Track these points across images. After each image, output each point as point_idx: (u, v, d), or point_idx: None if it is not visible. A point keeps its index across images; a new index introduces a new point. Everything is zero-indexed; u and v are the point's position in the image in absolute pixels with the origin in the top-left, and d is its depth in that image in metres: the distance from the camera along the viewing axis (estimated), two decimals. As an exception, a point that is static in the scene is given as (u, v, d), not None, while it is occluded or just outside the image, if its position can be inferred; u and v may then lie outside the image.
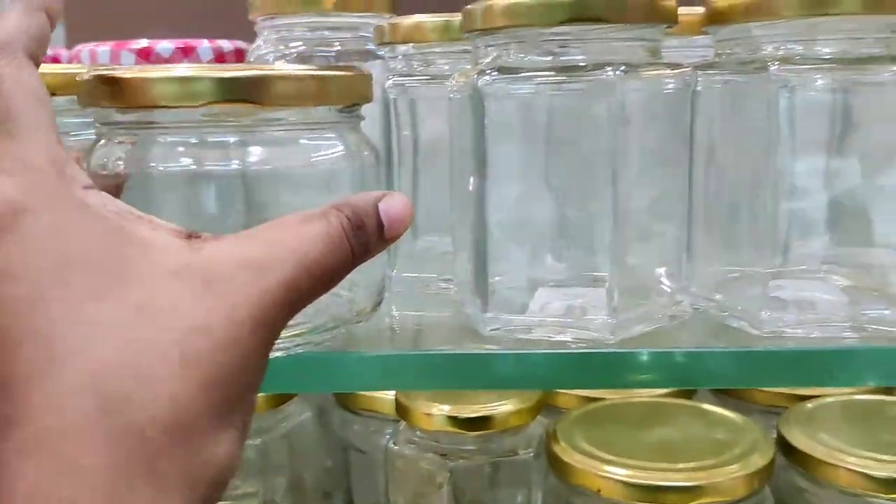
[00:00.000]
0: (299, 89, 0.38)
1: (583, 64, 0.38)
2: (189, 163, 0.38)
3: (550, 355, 0.39)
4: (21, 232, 0.24)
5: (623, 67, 0.37)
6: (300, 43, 0.57)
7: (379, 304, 0.43)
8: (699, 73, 0.41)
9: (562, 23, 0.37)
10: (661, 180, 0.40)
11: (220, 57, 0.59)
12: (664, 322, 0.41)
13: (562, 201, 0.40)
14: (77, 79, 0.38)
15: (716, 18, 0.40)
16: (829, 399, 0.56)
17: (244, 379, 0.25)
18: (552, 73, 0.38)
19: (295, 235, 0.27)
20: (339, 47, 0.56)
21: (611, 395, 0.57)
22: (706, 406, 0.56)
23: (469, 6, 0.39)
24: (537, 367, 0.39)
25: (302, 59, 0.56)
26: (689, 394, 0.60)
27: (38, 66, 0.29)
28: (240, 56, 0.60)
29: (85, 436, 0.22)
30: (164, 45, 0.57)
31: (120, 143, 0.38)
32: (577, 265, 0.42)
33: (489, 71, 0.39)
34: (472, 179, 0.40)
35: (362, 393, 0.60)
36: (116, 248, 0.25)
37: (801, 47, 0.38)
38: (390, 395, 0.57)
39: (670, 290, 0.41)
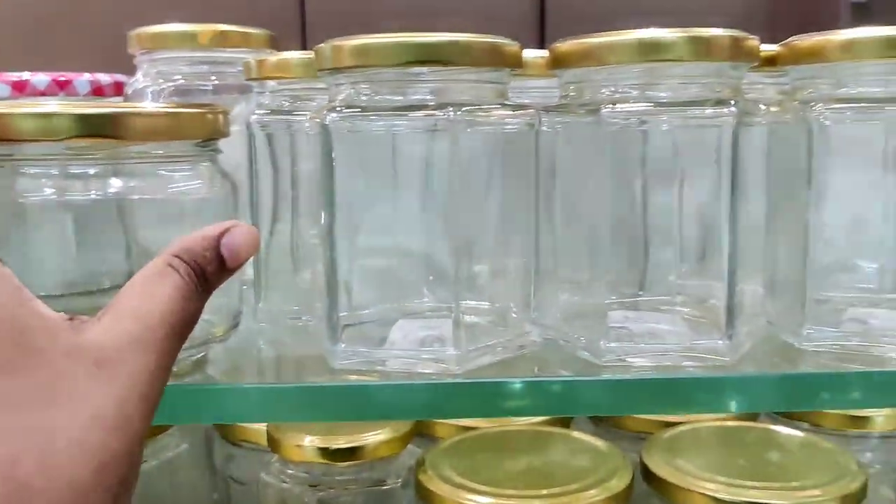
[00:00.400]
0: (155, 125, 0.40)
1: (430, 103, 0.39)
2: (51, 193, 0.40)
3: (402, 386, 0.40)
4: None
5: (466, 108, 0.39)
6: (179, 77, 0.58)
7: (235, 326, 0.44)
8: (545, 113, 0.42)
9: (408, 64, 0.38)
10: (506, 215, 0.42)
11: (98, 90, 0.59)
12: (512, 353, 0.42)
13: (410, 236, 0.42)
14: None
15: (559, 62, 0.42)
16: (692, 425, 0.58)
17: (133, 457, 0.27)
18: (398, 112, 0.39)
19: (157, 302, 0.28)
20: (216, 81, 0.58)
21: (484, 424, 0.58)
22: (575, 434, 0.57)
23: (320, 45, 0.40)
24: (393, 398, 0.40)
25: (180, 92, 0.57)
26: (566, 421, 0.62)
27: None
28: (119, 89, 0.61)
29: None
30: (40, 78, 0.57)
31: None
32: (433, 298, 0.43)
33: (338, 108, 0.40)
34: (322, 215, 0.41)
35: (242, 424, 0.61)
36: (22, 320, 0.26)
37: (635, 91, 0.40)
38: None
39: (519, 322, 0.43)
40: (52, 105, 0.38)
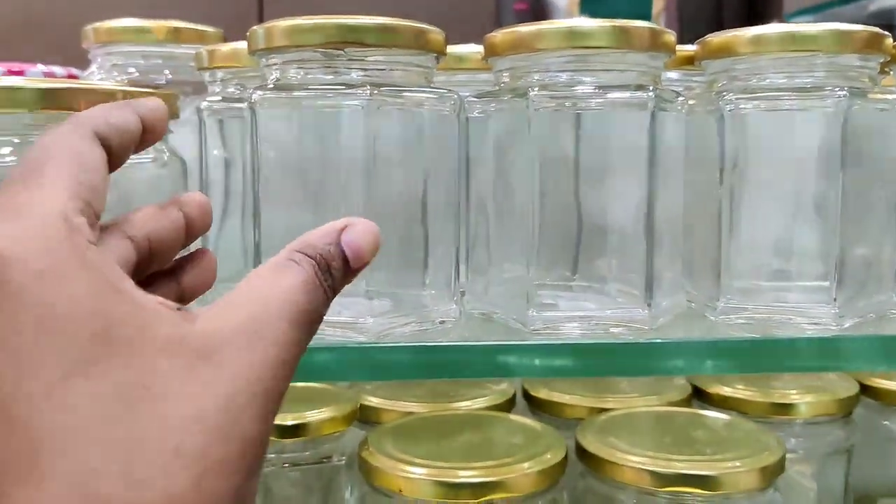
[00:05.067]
0: (112, 101, 0.41)
1: (355, 83, 0.41)
2: (12, 161, 0.41)
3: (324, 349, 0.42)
4: (6, 287, 0.22)
5: (389, 89, 0.41)
6: (133, 70, 0.60)
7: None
8: (478, 100, 0.45)
9: (333, 44, 0.41)
10: (431, 197, 0.44)
11: (53, 81, 0.61)
12: (430, 325, 0.44)
13: (321, 215, 0.43)
14: None
15: (492, 51, 0.45)
16: (624, 411, 0.61)
17: (245, 465, 0.23)
18: (321, 90, 0.42)
19: (278, 291, 0.26)
20: (170, 76, 0.60)
21: (425, 409, 0.61)
22: (512, 416, 0.60)
23: (254, 27, 0.43)
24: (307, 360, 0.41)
25: (134, 85, 0.59)
26: (507, 408, 0.64)
27: (112, 153, 0.28)
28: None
29: None
30: (-7, 68, 0.59)
31: None
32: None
33: (263, 87, 0.42)
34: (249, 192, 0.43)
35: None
36: (107, 308, 0.23)
37: (562, 76, 0.43)
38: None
39: (440, 300, 0.45)
40: (17, 79, 0.40)
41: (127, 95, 0.42)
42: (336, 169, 0.43)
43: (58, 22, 0.94)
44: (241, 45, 0.50)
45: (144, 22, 0.59)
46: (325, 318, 0.42)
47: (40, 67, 0.61)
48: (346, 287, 0.43)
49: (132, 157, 0.43)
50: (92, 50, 0.60)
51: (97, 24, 0.59)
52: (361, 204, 0.42)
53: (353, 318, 0.42)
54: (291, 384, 0.60)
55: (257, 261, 0.44)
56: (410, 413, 0.61)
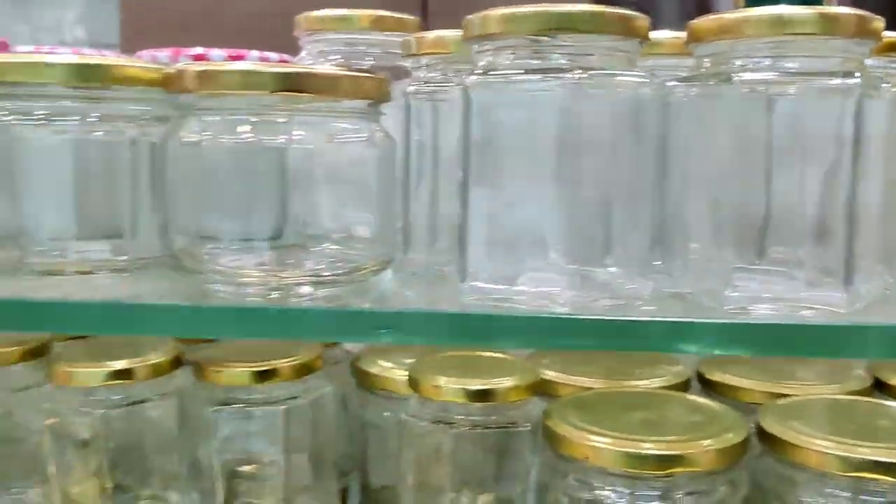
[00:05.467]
0: (340, 84, 0.46)
1: (564, 67, 0.44)
2: (250, 137, 0.47)
3: (526, 317, 0.45)
4: None
5: (598, 73, 0.43)
6: (338, 56, 0.64)
7: (389, 262, 0.50)
8: (680, 84, 0.47)
9: (548, 31, 0.43)
10: (634, 179, 0.46)
11: (266, 66, 0.66)
12: (626, 300, 0.46)
13: (538, 194, 0.46)
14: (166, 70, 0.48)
15: (696, 37, 0.46)
16: (804, 397, 0.61)
17: None
18: (532, 74, 0.44)
19: None
20: (371, 62, 0.64)
21: (601, 386, 0.63)
22: (690, 396, 0.61)
23: (469, 16, 0.46)
24: (509, 327, 0.45)
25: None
26: (683, 389, 0.65)
27: None
28: (284, 66, 0.68)
29: None
30: (217, 53, 0.65)
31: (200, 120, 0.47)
32: (554, 254, 0.47)
33: (478, 72, 0.45)
34: (460, 174, 0.46)
35: (378, 373, 0.66)
36: None
37: (766, 61, 0.44)
38: (403, 374, 0.63)
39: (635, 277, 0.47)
40: (254, 64, 0.45)
41: (350, 80, 0.46)
42: (542, 151, 0.45)
43: (268, 13, 1.01)
44: (447, 32, 0.53)
45: (349, 11, 0.63)
46: (519, 288, 0.46)
47: (254, 54, 0.66)
48: (541, 262, 0.46)
49: (354, 135, 0.48)
50: (302, 38, 0.65)
51: (306, 14, 0.64)
52: (567, 184, 0.44)
53: (551, 290, 0.45)
54: (477, 353, 0.64)
55: (463, 242, 0.47)
56: (587, 388, 0.63)
